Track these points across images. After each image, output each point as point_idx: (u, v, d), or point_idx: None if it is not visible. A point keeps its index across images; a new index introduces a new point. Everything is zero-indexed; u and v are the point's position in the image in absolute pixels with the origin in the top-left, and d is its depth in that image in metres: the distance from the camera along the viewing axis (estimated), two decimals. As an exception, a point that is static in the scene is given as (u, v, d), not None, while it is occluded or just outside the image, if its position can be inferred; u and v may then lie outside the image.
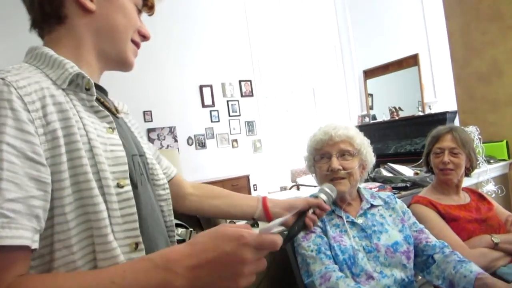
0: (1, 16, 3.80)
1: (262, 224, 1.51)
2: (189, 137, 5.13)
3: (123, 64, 0.73)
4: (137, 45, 0.74)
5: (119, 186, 0.58)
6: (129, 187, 0.60)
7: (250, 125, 5.59)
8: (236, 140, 5.46)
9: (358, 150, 1.28)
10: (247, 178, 5.26)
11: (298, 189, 4.14)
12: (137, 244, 0.58)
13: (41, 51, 0.62)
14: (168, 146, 4.95)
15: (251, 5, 5.56)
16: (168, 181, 0.93)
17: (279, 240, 0.52)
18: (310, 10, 5.94)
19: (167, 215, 0.79)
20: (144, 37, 0.75)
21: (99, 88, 0.70)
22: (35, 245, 0.48)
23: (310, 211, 0.97)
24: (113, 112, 0.70)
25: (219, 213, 1.02)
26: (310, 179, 4.65)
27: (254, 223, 1.51)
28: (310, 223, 0.96)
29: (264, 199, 1.01)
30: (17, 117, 0.49)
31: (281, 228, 0.57)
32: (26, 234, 0.46)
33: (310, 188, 3.48)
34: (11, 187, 0.46)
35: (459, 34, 2.82)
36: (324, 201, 1.00)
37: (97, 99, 0.66)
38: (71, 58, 0.63)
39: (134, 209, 0.60)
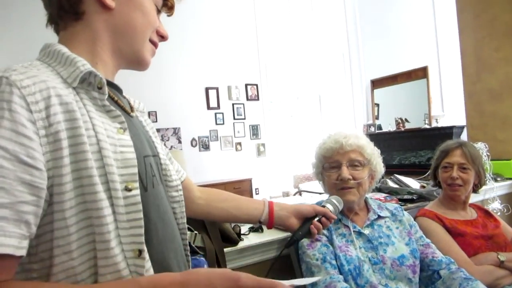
0: (18, 11, 3.82)
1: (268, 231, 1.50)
2: (193, 139, 5.13)
3: (139, 64, 0.71)
4: (155, 45, 0.73)
5: (127, 189, 0.57)
6: (137, 191, 0.58)
7: (254, 129, 5.58)
8: (240, 143, 5.46)
9: (368, 160, 1.27)
10: (249, 181, 5.25)
11: (300, 195, 4.12)
12: (140, 251, 0.57)
13: (54, 49, 0.61)
14: (172, 147, 4.95)
15: (260, 9, 5.58)
16: (180, 183, 0.93)
17: (280, 284, 0.51)
18: (320, 17, 5.95)
19: (180, 217, 0.77)
20: (163, 37, 0.74)
21: (113, 86, 0.69)
22: (20, 252, 0.46)
23: (316, 219, 0.97)
24: (127, 111, 0.69)
25: (226, 216, 1.01)
26: (313, 185, 4.63)
27: (259, 227, 1.51)
28: (314, 230, 0.96)
29: (270, 203, 1.00)
30: (14, 119, 0.48)
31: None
32: (9, 242, 0.45)
33: (313, 195, 3.46)
34: None
35: (472, 49, 2.80)
36: (331, 211, 1.00)
37: (111, 98, 0.65)
38: (86, 55, 0.62)
39: (141, 215, 0.58)
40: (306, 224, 0.96)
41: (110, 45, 0.66)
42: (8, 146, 0.46)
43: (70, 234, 0.51)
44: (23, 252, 0.47)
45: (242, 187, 5.11)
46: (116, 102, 0.67)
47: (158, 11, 0.73)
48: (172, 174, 0.77)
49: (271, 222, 0.98)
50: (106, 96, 0.61)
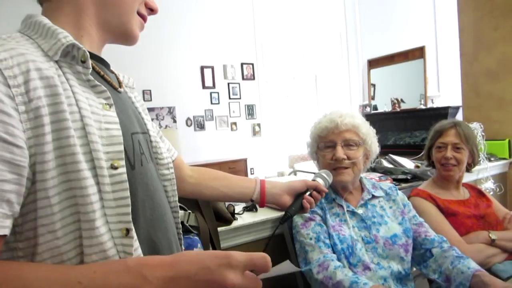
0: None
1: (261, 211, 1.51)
2: (188, 118, 5.10)
3: (127, 37, 0.68)
4: (143, 18, 0.70)
5: (112, 167, 0.55)
6: (123, 169, 0.56)
7: (250, 109, 5.55)
8: (235, 123, 5.43)
9: (363, 140, 1.26)
10: (244, 161, 5.26)
11: (295, 174, 4.14)
12: (128, 230, 0.55)
13: (35, 20, 0.58)
14: (166, 126, 4.92)
15: (258, -14, 5.45)
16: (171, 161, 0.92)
17: (268, 257, 0.50)
18: (318, -5, 5.83)
19: (171, 196, 0.76)
20: (152, 11, 0.71)
21: (100, 60, 0.66)
22: (3, 231, 0.45)
23: (307, 193, 0.97)
24: (114, 86, 0.66)
25: (217, 195, 1.00)
26: (308, 165, 4.65)
27: (252, 206, 1.51)
28: (307, 205, 0.95)
29: (262, 181, 1.00)
30: None
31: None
32: None
33: (308, 175, 3.47)
34: None
35: (470, 28, 2.76)
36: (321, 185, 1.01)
37: (97, 72, 0.62)
38: (70, 27, 0.60)
39: (127, 193, 0.56)
40: (298, 199, 0.96)
41: (96, 18, 0.63)
42: None
43: (53, 213, 0.50)
44: (6, 231, 0.46)
45: (237, 167, 5.11)
46: (102, 77, 0.64)
47: None
48: (163, 152, 0.75)
49: (263, 200, 0.97)
50: (90, 70, 0.58)
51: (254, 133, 5.58)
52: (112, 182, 0.54)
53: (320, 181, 1.01)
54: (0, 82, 0.46)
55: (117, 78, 0.72)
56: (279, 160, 5.70)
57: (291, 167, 5.34)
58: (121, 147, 0.57)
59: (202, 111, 5.19)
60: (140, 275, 0.47)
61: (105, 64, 0.68)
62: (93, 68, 0.60)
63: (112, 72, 0.72)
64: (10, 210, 0.46)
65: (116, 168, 0.55)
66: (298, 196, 0.97)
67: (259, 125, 5.60)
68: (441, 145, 1.58)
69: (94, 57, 0.63)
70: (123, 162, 0.57)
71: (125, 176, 0.56)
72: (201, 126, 5.19)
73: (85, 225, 0.51)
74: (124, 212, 0.55)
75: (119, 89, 0.68)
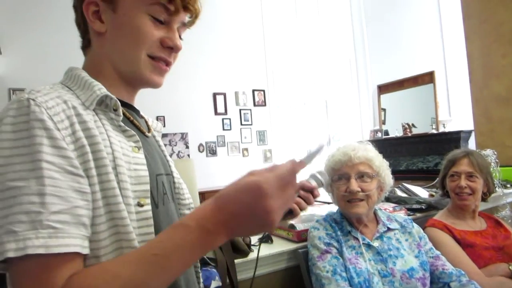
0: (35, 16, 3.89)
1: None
2: (201, 144, 5.16)
3: (144, 83, 0.70)
4: (162, 59, 0.67)
5: (139, 205, 0.59)
6: (149, 207, 0.61)
7: (261, 135, 5.59)
8: (246, 149, 5.47)
9: (377, 173, 1.28)
10: (256, 187, 5.25)
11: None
12: None
13: (75, 73, 0.65)
14: (179, 152, 4.98)
15: (267, 16, 5.61)
16: None
17: (294, 163, 0.54)
18: (327, 23, 5.97)
19: None
20: (172, 49, 0.68)
21: (130, 107, 0.71)
22: (85, 251, 0.51)
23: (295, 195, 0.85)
24: (142, 131, 0.71)
25: None
26: (320, 192, 4.59)
27: (268, 237, 1.51)
28: (295, 206, 0.84)
29: None
30: (51, 136, 0.51)
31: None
32: (74, 242, 0.49)
33: (322, 205, 3.44)
34: (55, 200, 0.49)
35: (478, 55, 2.80)
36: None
37: (127, 118, 0.68)
38: (100, 79, 0.65)
39: (152, 229, 0.60)
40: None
41: (113, 69, 0.67)
42: (54, 160, 0.51)
43: (99, 240, 0.54)
44: (87, 251, 0.51)
45: (249, 193, 5.11)
46: (132, 122, 0.69)
47: (159, 21, 0.65)
48: (185, 193, 0.79)
49: None
50: (121, 117, 0.64)
51: (266, 159, 5.60)
52: (138, 218, 0.59)
53: (313, 182, 0.89)
54: (52, 126, 0.52)
55: (146, 123, 0.77)
56: (291, 185, 5.68)
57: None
58: (148, 187, 0.62)
59: (214, 137, 5.25)
60: (203, 229, 0.50)
61: (135, 110, 0.74)
62: (123, 114, 0.66)
63: (142, 117, 0.76)
64: (87, 232, 0.52)
65: (142, 205, 0.60)
66: None
67: (270, 151, 5.63)
68: (455, 174, 1.59)
69: (125, 104, 0.69)
70: (148, 201, 0.61)
71: (150, 213, 0.60)
72: (213, 152, 5.24)
73: (128, 251, 0.55)
74: None
75: (146, 133, 0.73)
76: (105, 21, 0.65)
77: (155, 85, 0.70)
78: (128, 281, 0.48)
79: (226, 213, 0.51)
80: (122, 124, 0.64)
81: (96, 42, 0.67)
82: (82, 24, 0.68)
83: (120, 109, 0.64)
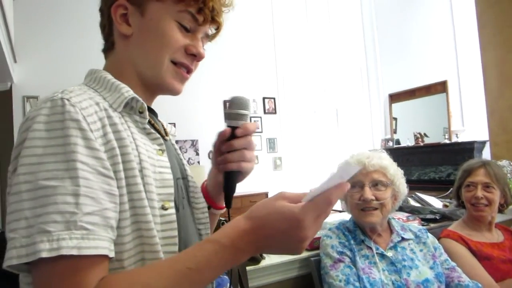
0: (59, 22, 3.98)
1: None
2: (210, 151, 5.17)
3: (164, 89, 0.69)
4: (183, 66, 0.67)
5: (163, 208, 0.59)
6: (173, 210, 0.60)
7: (271, 142, 5.59)
8: (256, 157, 5.45)
9: (391, 181, 1.26)
10: (265, 195, 5.22)
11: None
12: None
13: (100, 75, 0.64)
14: (189, 159, 5.00)
15: (278, 23, 5.64)
16: None
17: (332, 195, 0.53)
18: (338, 31, 5.98)
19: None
20: (195, 56, 0.68)
21: (150, 111, 0.70)
22: (112, 254, 0.51)
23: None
24: (162, 135, 0.70)
25: None
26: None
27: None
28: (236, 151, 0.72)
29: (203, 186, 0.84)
30: (86, 136, 0.52)
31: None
32: (103, 244, 0.49)
33: (336, 213, 3.42)
34: (88, 201, 0.49)
35: (493, 65, 2.77)
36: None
37: (149, 122, 0.66)
38: (124, 80, 0.65)
39: (176, 233, 0.60)
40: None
41: (135, 72, 0.67)
42: (88, 161, 0.51)
43: (123, 243, 0.54)
44: (113, 254, 0.51)
45: (258, 201, 5.07)
46: (153, 125, 0.68)
47: (186, 29, 0.66)
48: (200, 197, 0.77)
49: (205, 191, 0.81)
50: (147, 120, 0.64)
51: (275, 166, 5.59)
52: (162, 221, 0.58)
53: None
54: (86, 127, 0.52)
55: (163, 127, 0.76)
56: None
57: (312, 201, 5.26)
58: (172, 190, 0.62)
59: (224, 145, 5.27)
60: (236, 248, 0.52)
61: (155, 114, 0.73)
62: None
63: (159, 121, 0.76)
64: (114, 235, 0.52)
65: (166, 209, 0.59)
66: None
67: (280, 158, 5.62)
68: (471, 184, 1.55)
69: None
70: (172, 204, 0.61)
71: (174, 217, 0.60)
72: (223, 159, 5.24)
73: (149, 255, 0.56)
74: (172, 251, 0.59)
75: (165, 137, 0.72)
76: (132, 24, 0.65)
77: (175, 92, 0.70)
78: None
79: (260, 235, 0.53)
80: (147, 126, 0.64)
81: (121, 45, 0.67)
82: (107, 26, 0.68)
83: (146, 112, 0.64)
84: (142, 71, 0.67)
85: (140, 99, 0.62)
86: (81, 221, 0.48)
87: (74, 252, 0.46)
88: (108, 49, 0.69)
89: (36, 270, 0.48)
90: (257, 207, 0.55)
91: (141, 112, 0.63)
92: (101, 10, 0.69)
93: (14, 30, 3.62)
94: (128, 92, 0.62)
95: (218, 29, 0.73)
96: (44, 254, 0.45)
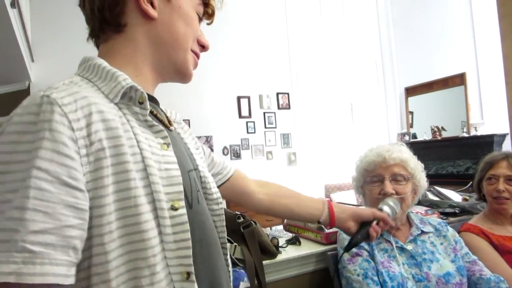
0: (60, 26, 4.05)
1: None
2: (225, 147, 5.19)
3: (182, 76, 0.69)
4: (196, 55, 0.70)
5: (173, 208, 0.54)
6: (184, 210, 0.55)
7: (285, 138, 5.57)
8: (271, 152, 5.46)
9: (412, 175, 1.24)
10: (280, 190, 5.23)
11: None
12: (188, 274, 0.53)
13: (94, 63, 0.59)
14: (204, 154, 5.03)
15: (292, 18, 5.60)
16: (229, 179, 0.93)
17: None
18: (352, 24, 5.90)
19: (220, 231, 0.72)
20: (203, 47, 0.72)
21: (152, 99, 0.66)
22: (69, 281, 0.43)
23: (375, 222, 0.98)
24: (166, 125, 0.66)
25: (288, 213, 1.02)
26: (345, 195, 4.53)
27: (296, 239, 1.50)
28: (373, 234, 0.96)
29: (329, 203, 1.00)
30: (55, 139, 0.45)
31: None
32: (56, 270, 0.41)
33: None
34: (38, 217, 0.41)
35: (515, 55, 2.68)
36: (388, 215, 1.01)
37: (151, 112, 0.61)
38: (126, 68, 0.60)
39: (188, 235, 0.54)
40: (365, 227, 0.97)
41: (151, 58, 0.64)
42: (50, 168, 0.43)
43: (108, 262, 0.47)
44: (71, 280, 0.44)
45: (273, 196, 5.09)
46: (155, 116, 0.63)
47: (200, 19, 0.70)
48: (212, 187, 0.72)
49: (332, 224, 0.99)
50: (148, 111, 0.58)
51: (290, 162, 5.57)
52: (172, 223, 0.53)
53: (387, 210, 1.02)
54: (65, 126, 0.46)
55: (166, 116, 0.71)
56: (315, 189, 5.62)
57: (327, 196, 5.24)
58: (181, 187, 0.56)
59: (239, 140, 5.28)
60: None
61: (156, 102, 0.68)
62: None
63: (161, 110, 0.71)
64: (76, 257, 0.45)
65: (176, 209, 0.54)
66: (364, 224, 0.98)
67: (294, 154, 5.60)
68: (492, 177, 1.52)
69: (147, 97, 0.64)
70: (183, 203, 0.56)
71: (185, 218, 0.55)
72: (237, 155, 5.26)
73: (145, 271, 0.50)
74: (185, 255, 0.54)
75: (170, 127, 0.68)
76: (157, 8, 0.63)
77: (189, 78, 0.71)
78: None
79: None
80: (149, 118, 0.58)
81: (140, 27, 0.62)
82: (120, 5, 0.61)
83: (147, 102, 0.58)
84: (162, 57, 0.65)
85: (139, 87, 0.57)
86: (25, 241, 0.40)
87: (12, 279, 0.39)
88: (112, 31, 0.62)
89: None
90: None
91: (141, 103, 0.57)
92: None
93: (31, 29, 3.69)
94: (125, 80, 0.56)
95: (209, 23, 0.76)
96: None
